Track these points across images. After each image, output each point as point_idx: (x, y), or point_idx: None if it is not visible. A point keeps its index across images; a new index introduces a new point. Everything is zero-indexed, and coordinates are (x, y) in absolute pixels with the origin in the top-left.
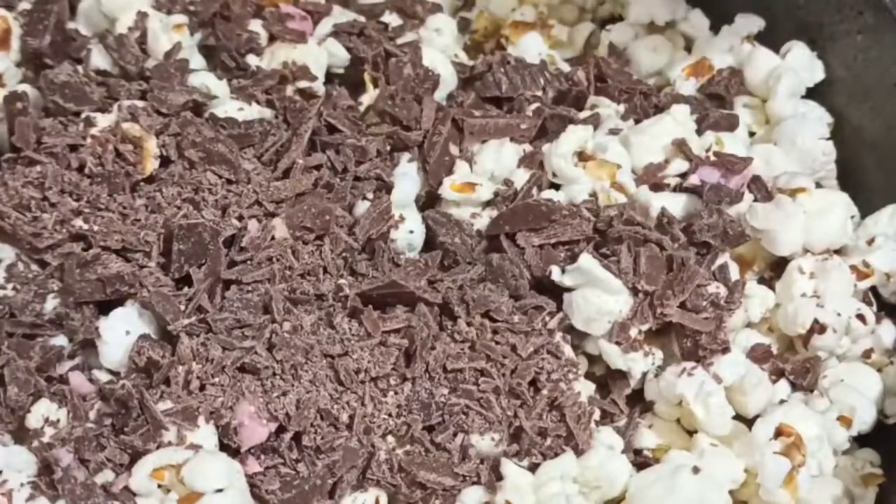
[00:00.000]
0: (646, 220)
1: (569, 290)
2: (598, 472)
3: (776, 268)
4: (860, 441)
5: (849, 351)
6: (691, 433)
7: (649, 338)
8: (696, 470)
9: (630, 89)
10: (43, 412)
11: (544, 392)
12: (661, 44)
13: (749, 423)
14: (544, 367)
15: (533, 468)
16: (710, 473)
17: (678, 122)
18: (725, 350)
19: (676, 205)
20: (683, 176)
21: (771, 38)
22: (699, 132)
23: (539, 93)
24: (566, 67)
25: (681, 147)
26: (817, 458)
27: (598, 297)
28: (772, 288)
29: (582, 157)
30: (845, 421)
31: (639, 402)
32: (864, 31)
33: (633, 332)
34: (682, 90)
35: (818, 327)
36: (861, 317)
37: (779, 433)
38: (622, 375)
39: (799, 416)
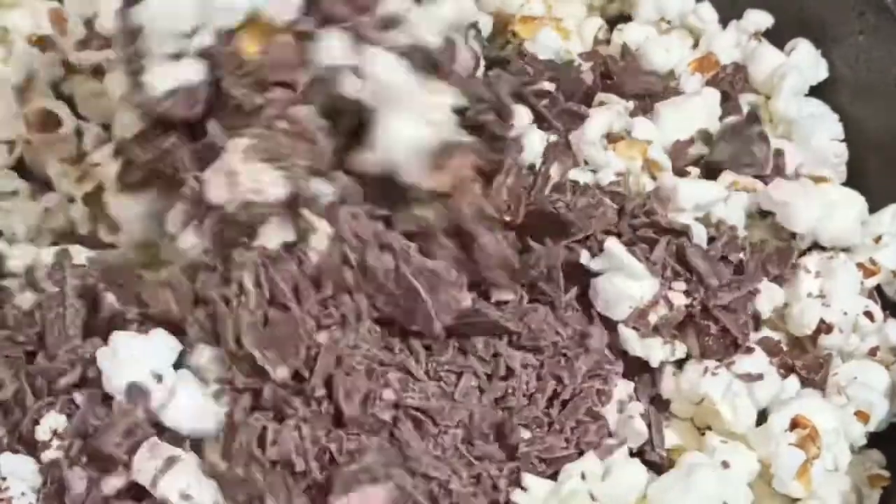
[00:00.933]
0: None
1: (596, 275)
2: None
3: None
4: (868, 441)
5: (856, 349)
6: (702, 431)
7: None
8: (725, 465)
9: (638, 86)
10: (51, 424)
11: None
12: (674, 45)
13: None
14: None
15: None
16: (729, 469)
17: (707, 104)
18: (749, 350)
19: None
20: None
21: (772, 39)
22: None
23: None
24: (577, 62)
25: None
26: (833, 451)
27: (623, 281)
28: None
29: (610, 138)
30: (862, 416)
31: (656, 401)
32: (866, 31)
33: (653, 319)
34: (688, 85)
35: (825, 327)
36: (869, 314)
37: (794, 425)
38: (646, 372)
39: (815, 409)
